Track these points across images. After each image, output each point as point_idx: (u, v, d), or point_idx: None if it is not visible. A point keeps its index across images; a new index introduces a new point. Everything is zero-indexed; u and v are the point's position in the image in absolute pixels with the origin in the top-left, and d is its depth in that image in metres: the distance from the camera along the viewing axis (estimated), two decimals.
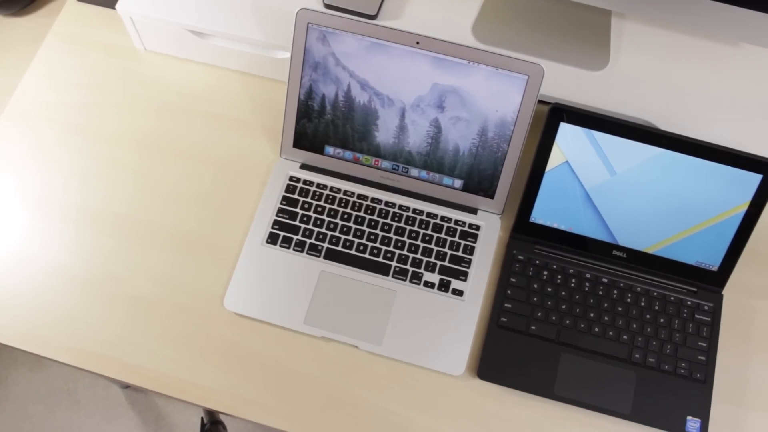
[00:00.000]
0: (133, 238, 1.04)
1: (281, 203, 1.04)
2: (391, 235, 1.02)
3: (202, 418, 1.70)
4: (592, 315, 0.99)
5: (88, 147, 1.09)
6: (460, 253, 1.01)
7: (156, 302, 1.00)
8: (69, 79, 1.14)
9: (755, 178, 0.94)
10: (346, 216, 1.03)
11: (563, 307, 0.99)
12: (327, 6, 1.08)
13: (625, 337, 0.98)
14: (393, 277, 1.00)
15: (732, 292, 1.03)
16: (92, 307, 1.00)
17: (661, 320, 0.99)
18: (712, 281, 1.00)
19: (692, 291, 1.01)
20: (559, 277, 1.00)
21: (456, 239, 1.02)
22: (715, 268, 1.00)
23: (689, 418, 0.94)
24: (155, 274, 1.02)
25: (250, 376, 0.96)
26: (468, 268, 1.00)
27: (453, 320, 0.98)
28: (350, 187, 1.05)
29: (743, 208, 0.96)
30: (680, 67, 1.08)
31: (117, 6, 1.09)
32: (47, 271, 1.01)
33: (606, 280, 1.00)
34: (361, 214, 1.03)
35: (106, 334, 0.98)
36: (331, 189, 1.05)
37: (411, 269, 1.00)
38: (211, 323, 0.99)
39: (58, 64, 1.15)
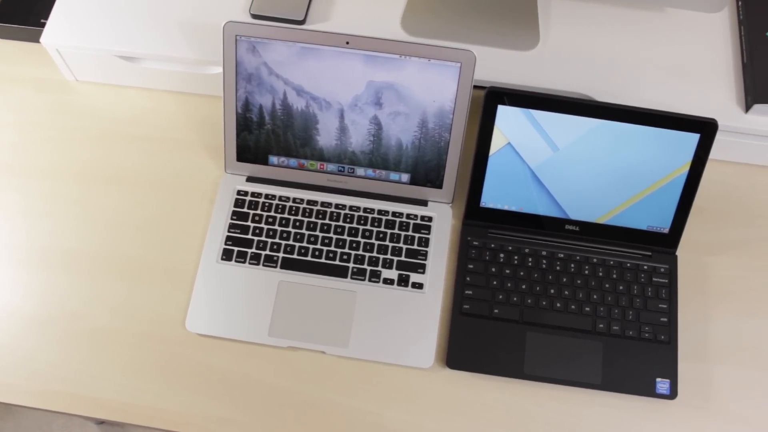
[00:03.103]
0: (87, 272, 1.02)
1: (232, 218, 1.03)
2: (345, 236, 1.02)
3: None
4: (552, 291, 0.99)
5: (28, 185, 1.07)
6: (415, 247, 1.01)
7: (117, 333, 0.99)
8: (0, 119, 1.12)
9: (693, 138, 0.96)
10: (297, 223, 1.03)
11: (523, 287, 1.00)
12: (254, 16, 1.08)
13: (587, 308, 0.99)
14: (351, 278, 1.00)
15: (685, 251, 1.04)
16: (52, 346, 0.98)
17: (620, 288, 1.00)
18: (664, 243, 1.02)
19: (647, 255, 1.02)
20: (516, 257, 1.01)
21: (410, 233, 1.02)
22: (666, 231, 1.01)
23: (658, 379, 0.96)
24: (113, 304, 1.00)
25: (220, 395, 0.96)
26: (425, 260, 1.01)
27: (416, 314, 0.98)
28: (299, 194, 1.04)
29: (685, 168, 0.97)
30: (609, 37, 1.10)
31: (42, 39, 1.07)
32: (2, 316, 0.99)
33: (562, 255, 1.01)
34: (313, 219, 1.03)
35: (70, 372, 0.97)
36: (280, 198, 1.04)
37: (369, 268, 1.00)
38: (175, 347, 0.98)
39: None
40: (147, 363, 0.97)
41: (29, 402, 0.95)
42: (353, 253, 1.01)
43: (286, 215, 1.03)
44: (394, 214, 1.03)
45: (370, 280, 1.00)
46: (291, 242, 1.01)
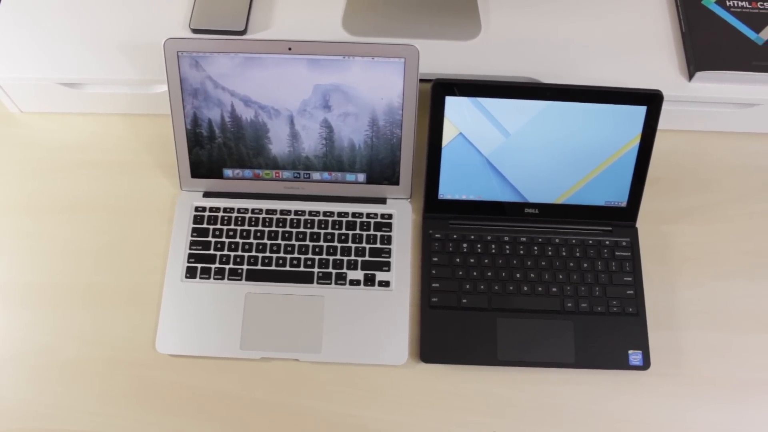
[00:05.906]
0: (50, 304, 1.01)
1: (192, 235, 1.02)
2: (307, 242, 1.02)
3: None
4: (518, 275, 1.00)
5: None
6: (378, 245, 1.01)
7: (86, 363, 0.97)
8: None
9: (641, 111, 0.97)
10: (258, 234, 1.02)
11: (489, 274, 1.00)
12: (194, 30, 1.07)
13: (554, 289, 0.99)
14: (318, 283, 0.99)
15: (644, 222, 1.06)
16: (22, 382, 0.96)
17: (585, 265, 1.01)
18: (624, 217, 1.03)
19: (608, 230, 1.03)
20: (479, 246, 1.02)
21: (371, 232, 1.02)
22: (624, 204, 1.02)
23: (630, 351, 0.97)
24: (80, 334, 0.99)
25: (198, 414, 0.95)
26: (389, 257, 1.01)
27: (386, 312, 0.98)
28: (257, 205, 1.04)
29: (636, 141, 0.98)
30: (549, 18, 1.11)
31: None
32: None
33: (524, 239, 1.02)
34: (273, 228, 1.02)
35: (43, 407, 0.95)
36: (239, 210, 1.04)
37: (334, 271, 1.00)
38: (147, 371, 0.97)
39: None
40: (121, 389, 0.96)
41: None
42: (317, 257, 1.01)
43: (246, 227, 1.03)
44: (353, 214, 1.03)
45: (336, 283, 0.99)
46: (254, 253, 1.01)
